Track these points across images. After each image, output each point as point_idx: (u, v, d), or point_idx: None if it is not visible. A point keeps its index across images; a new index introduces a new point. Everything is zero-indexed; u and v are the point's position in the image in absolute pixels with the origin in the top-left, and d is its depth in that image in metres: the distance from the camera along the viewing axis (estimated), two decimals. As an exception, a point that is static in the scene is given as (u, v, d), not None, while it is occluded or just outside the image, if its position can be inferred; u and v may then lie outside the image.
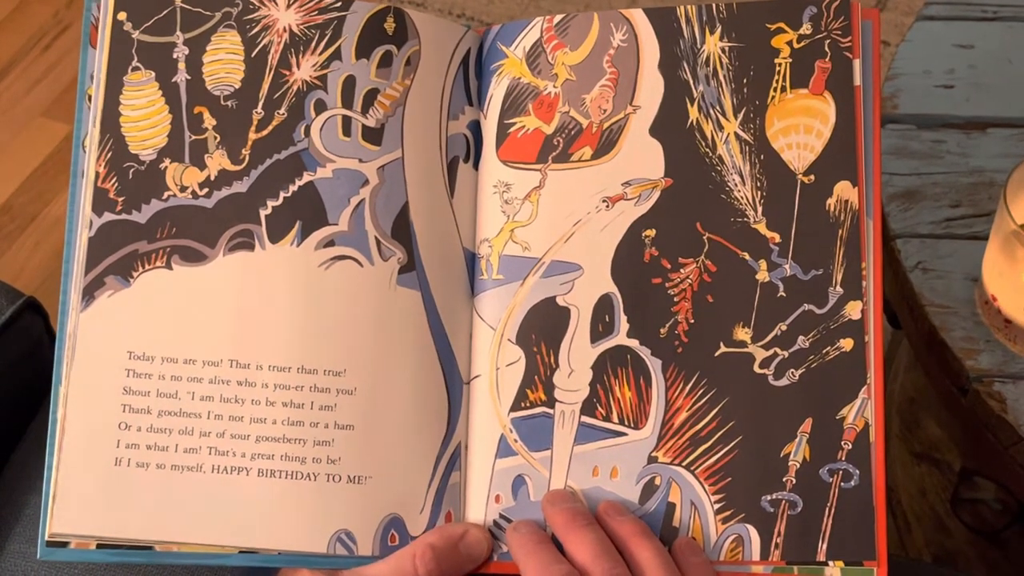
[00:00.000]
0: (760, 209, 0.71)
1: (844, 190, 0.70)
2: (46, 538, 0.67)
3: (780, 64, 0.72)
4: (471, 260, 0.74)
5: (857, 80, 0.71)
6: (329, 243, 0.71)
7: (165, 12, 0.73)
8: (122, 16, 0.73)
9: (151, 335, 0.69)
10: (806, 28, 0.72)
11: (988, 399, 0.89)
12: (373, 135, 0.73)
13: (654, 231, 0.71)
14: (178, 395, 0.69)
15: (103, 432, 0.68)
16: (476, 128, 0.75)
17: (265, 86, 0.73)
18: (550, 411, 0.70)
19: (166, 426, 0.68)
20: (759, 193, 0.71)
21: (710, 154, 0.71)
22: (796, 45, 0.72)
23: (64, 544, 0.67)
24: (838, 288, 0.69)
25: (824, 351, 0.69)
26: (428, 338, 0.71)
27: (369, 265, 0.71)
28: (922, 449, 1.08)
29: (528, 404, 0.71)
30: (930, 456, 1.07)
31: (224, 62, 0.73)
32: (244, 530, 0.68)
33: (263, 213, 0.71)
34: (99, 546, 0.67)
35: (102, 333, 0.69)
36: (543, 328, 0.71)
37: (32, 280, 1.69)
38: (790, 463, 0.68)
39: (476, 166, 0.75)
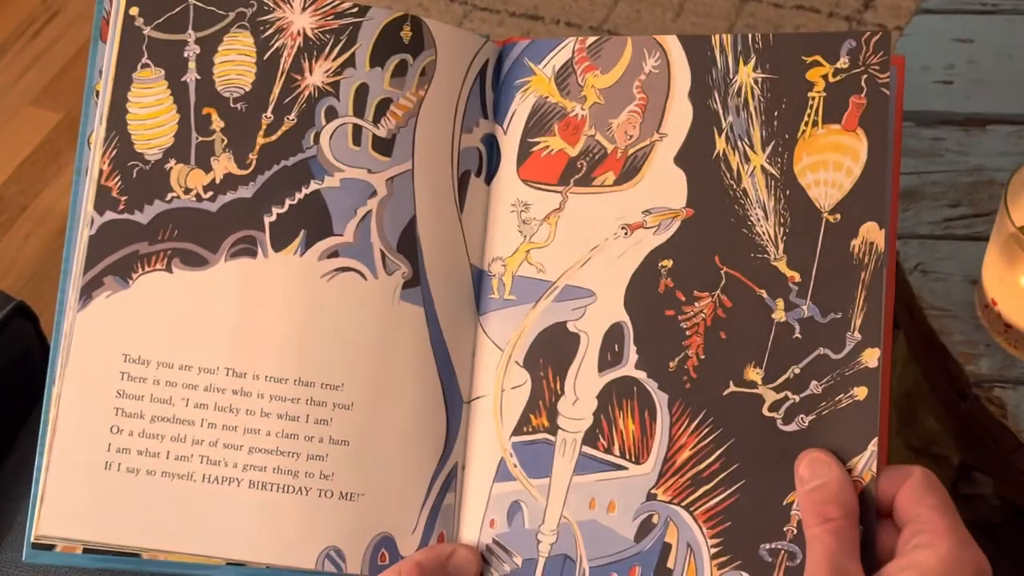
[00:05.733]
0: (782, 246, 0.68)
1: (870, 231, 0.67)
2: (32, 540, 0.66)
3: (813, 98, 0.69)
4: (478, 277, 0.72)
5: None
6: (333, 254, 0.69)
7: (178, 9, 0.71)
8: (134, 11, 0.70)
9: (148, 338, 0.68)
10: (843, 62, 0.68)
11: (988, 404, 0.88)
12: (384, 146, 0.70)
13: (671, 262, 0.69)
14: (172, 401, 0.68)
15: (95, 435, 0.67)
16: (490, 142, 0.73)
17: (276, 90, 0.70)
18: (552, 438, 0.69)
19: (158, 432, 0.67)
20: (782, 229, 0.68)
21: (734, 186, 0.69)
22: (832, 79, 0.68)
23: (50, 547, 0.67)
24: (856, 334, 0.67)
25: (837, 399, 0.66)
26: (429, 355, 0.70)
27: (373, 279, 0.69)
28: (920, 444, 1.08)
29: (530, 429, 0.69)
30: (928, 451, 1.07)
31: (235, 63, 0.70)
32: (233, 542, 0.67)
33: (267, 220, 0.69)
34: (85, 551, 0.67)
35: (98, 334, 0.68)
36: (551, 353, 0.70)
37: (23, 273, 1.68)
38: (792, 512, 0.66)
39: (488, 181, 0.73)
